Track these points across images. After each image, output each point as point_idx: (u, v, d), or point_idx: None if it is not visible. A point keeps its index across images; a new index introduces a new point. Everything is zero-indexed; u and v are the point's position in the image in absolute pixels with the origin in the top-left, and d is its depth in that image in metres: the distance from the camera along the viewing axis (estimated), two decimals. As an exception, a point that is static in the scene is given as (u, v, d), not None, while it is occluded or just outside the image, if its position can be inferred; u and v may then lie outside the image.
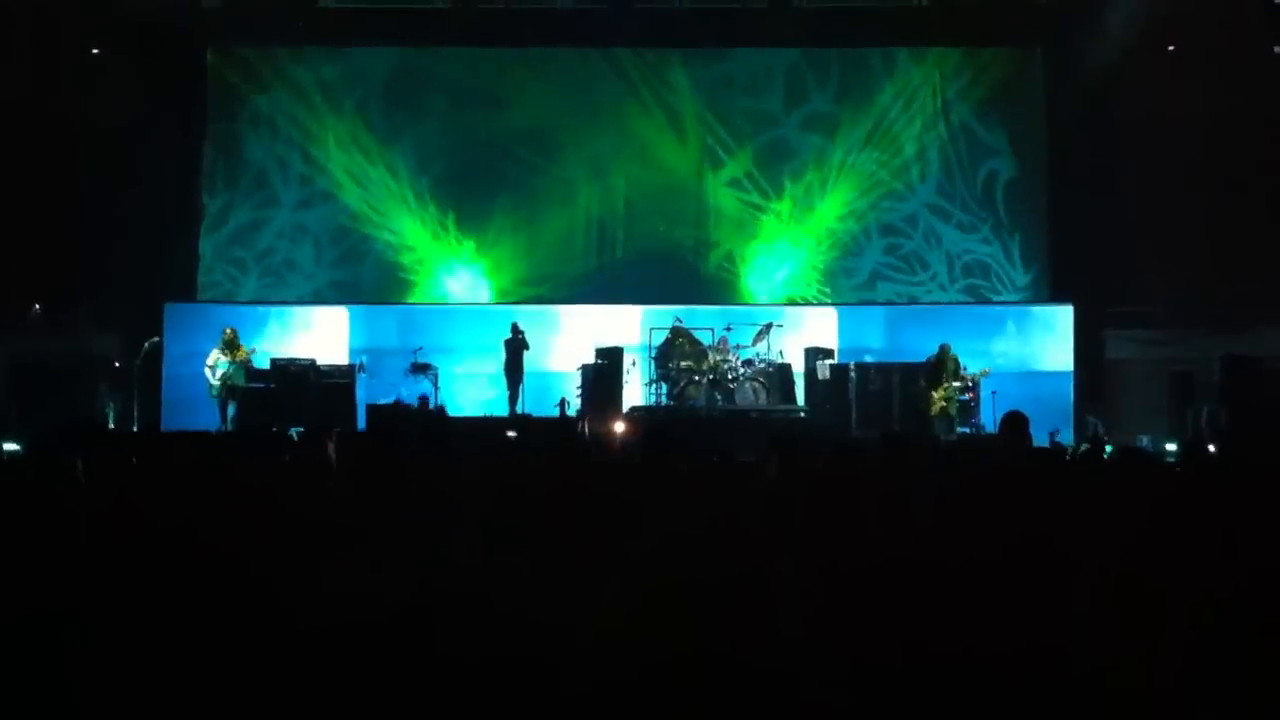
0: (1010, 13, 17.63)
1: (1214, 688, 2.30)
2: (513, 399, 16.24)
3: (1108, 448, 11.19)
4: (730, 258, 18.25)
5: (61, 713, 2.29)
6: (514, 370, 16.28)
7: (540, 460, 4.85)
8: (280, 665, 2.19)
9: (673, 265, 18.17)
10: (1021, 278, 18.19)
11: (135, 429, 15.27)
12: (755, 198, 18.21)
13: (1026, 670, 2.29)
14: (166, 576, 2.51)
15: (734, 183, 18.23)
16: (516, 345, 16.31)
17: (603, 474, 4.47)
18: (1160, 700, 2.32)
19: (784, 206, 18.16)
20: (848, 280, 18.21)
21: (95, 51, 16.90)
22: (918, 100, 18.22)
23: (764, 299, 18.02)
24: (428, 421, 14.64)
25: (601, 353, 16.10)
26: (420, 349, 16.55)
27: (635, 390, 16.41)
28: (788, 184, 18.17)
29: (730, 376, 15.87)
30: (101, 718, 2.28)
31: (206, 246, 18.12)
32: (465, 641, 1.77)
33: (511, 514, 3.70)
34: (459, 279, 18.22)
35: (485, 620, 1.75)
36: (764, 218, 18.19)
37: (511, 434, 11.60)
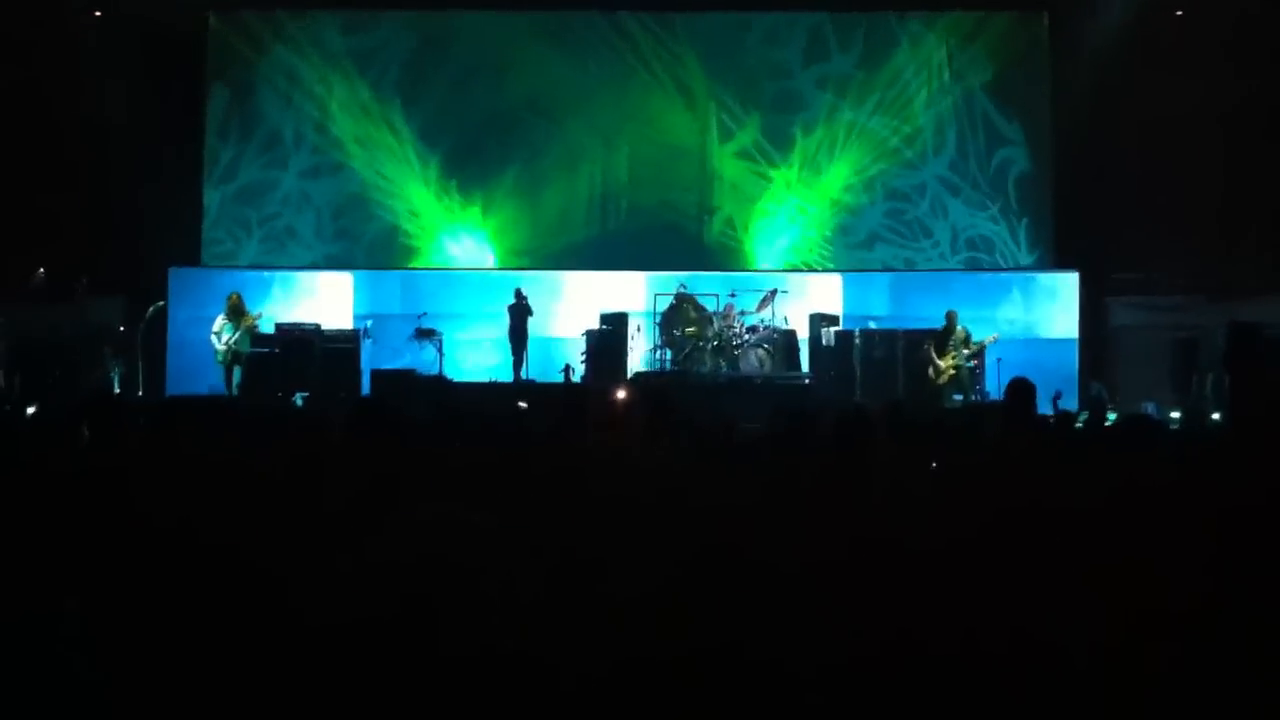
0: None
1: (1215, 669, 2.31)
2: (517, 364, 16.25)
3: (1110, 415, 11.23)
4: (735, 224, 18.20)
5: (62, 698, 2.30)
6: (518, 336, 16.29)
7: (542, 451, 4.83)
8: (280, 655, 2.20)
9: (677, 231, 18.13)
10: (1025, 257, 18.12)
11: (140, 394, 15.30)
12: (761, 164, 18.14)
13: (1028, 654, 2.31)
14: (164, 563, 2.52)
15: (740, 149, 18.15)
16: (520, 311, 16.32)
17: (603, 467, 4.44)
18: (1162, 682, 2.33)
19: (790, 173, 18.09)
20: (847, 241, 18.12)
21: (97, 14, 16.82)
22: (927, 68, 18.11)
23: (768, 265, 17.99)
24: (433, 391, 14.65)
25: (606, 318, 16.10)
26: (424, 314, 16.55)
27: (640, 356, 16.43)
28: (794, 150, 18.09)
29: (734, 343, 15.87)
30: (99, 704, 2.30)
31: (211, 204, 18.08)
32: (466, 636, 1.78)
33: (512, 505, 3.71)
34: (463, 244, 18.19)
35: (484, 616, 1.75)
36: (770, 183, 18.13)
37: (523, 404, 11.61)
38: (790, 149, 18.09)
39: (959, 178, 18.09)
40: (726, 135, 18.14)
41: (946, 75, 18.11)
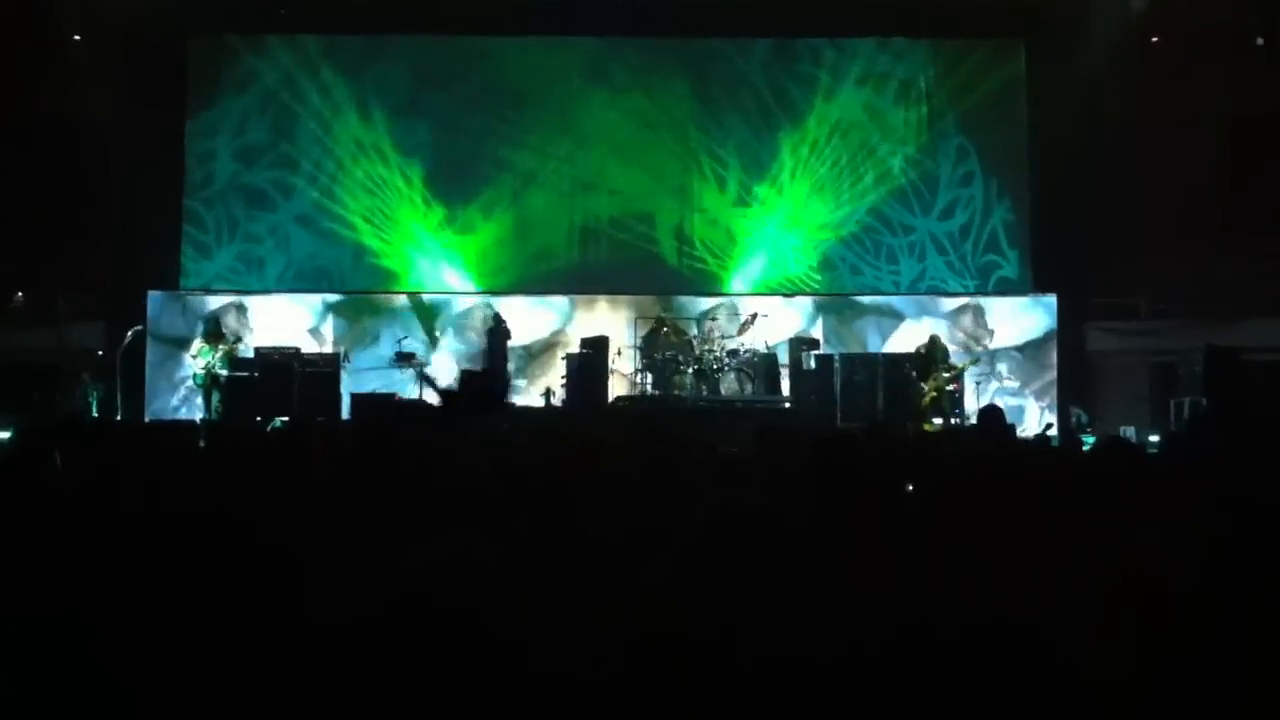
0: (994, 6, 17.63)
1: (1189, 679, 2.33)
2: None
3: (1088, 439, 11.28)
4: (715, 249, 18.24)
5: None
6: (497, 360, 16.26)
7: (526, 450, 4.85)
8: (273, 665, 2.19)
9: (658, 257, 18.17)
10: (1001, 276, 18.23)
11: (118, 418, 15.22)
12: (741, 191, 18.21)
13: (1009, 657, 2.32)
14: (146, 575, 2.51)
15: (720, 176, 18.22)
16: (499, 335, 16.30)
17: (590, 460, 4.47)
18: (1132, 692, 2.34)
19: (768, 199, 18.16)
20: (831, 270, 18.23)
21: (76, 38, 16.80)
22: (905, 96, 18.25)
23: (749, 290, 18.04)
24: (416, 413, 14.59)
25: (587, 343, 16.10)
26: (404, 338, 16.53)
27: (621, 380, 16.45)
28: (772, 176, 18.17)
29: (715, 367, 15.90)
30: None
31: (190, 229, 18.04)
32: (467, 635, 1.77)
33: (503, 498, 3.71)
34: (442, 269, 18.18)
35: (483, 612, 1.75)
36: (749, 210, 18.19)
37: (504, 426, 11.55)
38: (770, 176, 18.16)
39: (938, 203, 18.19)
40: (707, 162, 18.20)
41: (925, 103, 18.24)
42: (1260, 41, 16.78)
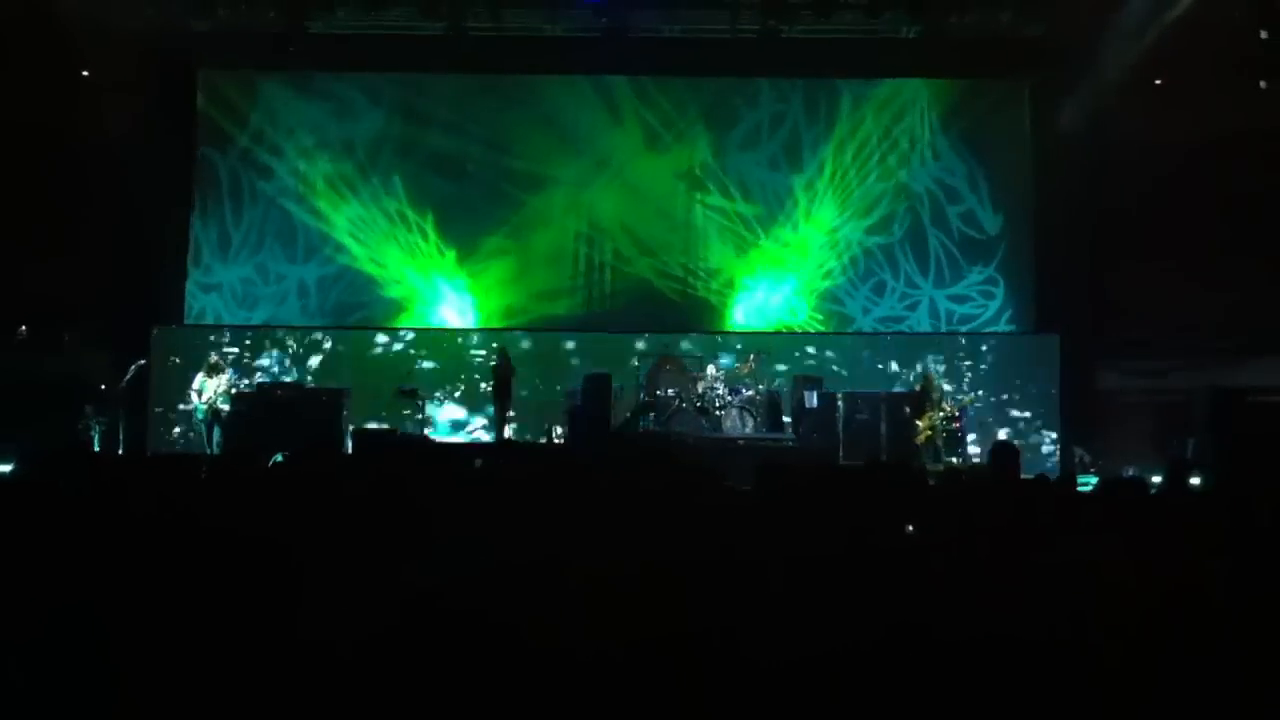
0: (999, 46, 17.69)
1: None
2: (499, 425, 16.20)
3: (1091, 479, 11.22)
4: (718, 286, 18.26)
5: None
6: (501, 397, 16.25)
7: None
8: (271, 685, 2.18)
9: (661, 294, 18.19)
10: (1004, 315, 18.23)
11: (120, 452, 15.20)
12: (742, 228, 18.25)
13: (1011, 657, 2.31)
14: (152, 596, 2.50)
15: (723, 211, 18.27)
16: (504, 371, 16.29)
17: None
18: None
19: (772, 236, 18.20)
20: (834, 308, 18.25)
21: (85, 74, 16.89)
22: (906, 132, 18.32)
23: (752, 327, 18.05)
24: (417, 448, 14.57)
25: (590, 379, 16.07)
26: (410, 372, 16.53)
27: (624, 417, 16.39)
28: (776, 213, 18.23)
29: (717, 404, 15.87)
30: None
31: (195, 269, 18.11)
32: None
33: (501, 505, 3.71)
34: (447, 305, 18.20)
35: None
36: (752, 247, 18.23)
37: (478, 462, 11.43)
38: (775, 213, 18.21)
39: (941, 240, 18.22)
40: (712, 198, 18.25)
41: (930, 142, 18.31)
42: (1263, 85, 16.82)
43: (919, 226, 18.22)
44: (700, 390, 15.91)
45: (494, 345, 16.98)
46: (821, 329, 18.11)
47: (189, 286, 18.05)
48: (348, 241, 18.12)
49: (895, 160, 18.28)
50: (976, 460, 15.24)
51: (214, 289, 18.13)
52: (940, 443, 15.36)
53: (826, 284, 18.26)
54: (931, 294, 18.17)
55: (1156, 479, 13.62)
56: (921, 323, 18.17)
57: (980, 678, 2.28)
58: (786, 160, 18.35)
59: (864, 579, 2.76)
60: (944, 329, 18.04)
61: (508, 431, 16.17)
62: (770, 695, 2.00)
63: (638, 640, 2.18)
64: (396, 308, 18.18)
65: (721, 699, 1.99)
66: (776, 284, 18.22)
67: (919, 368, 16.76)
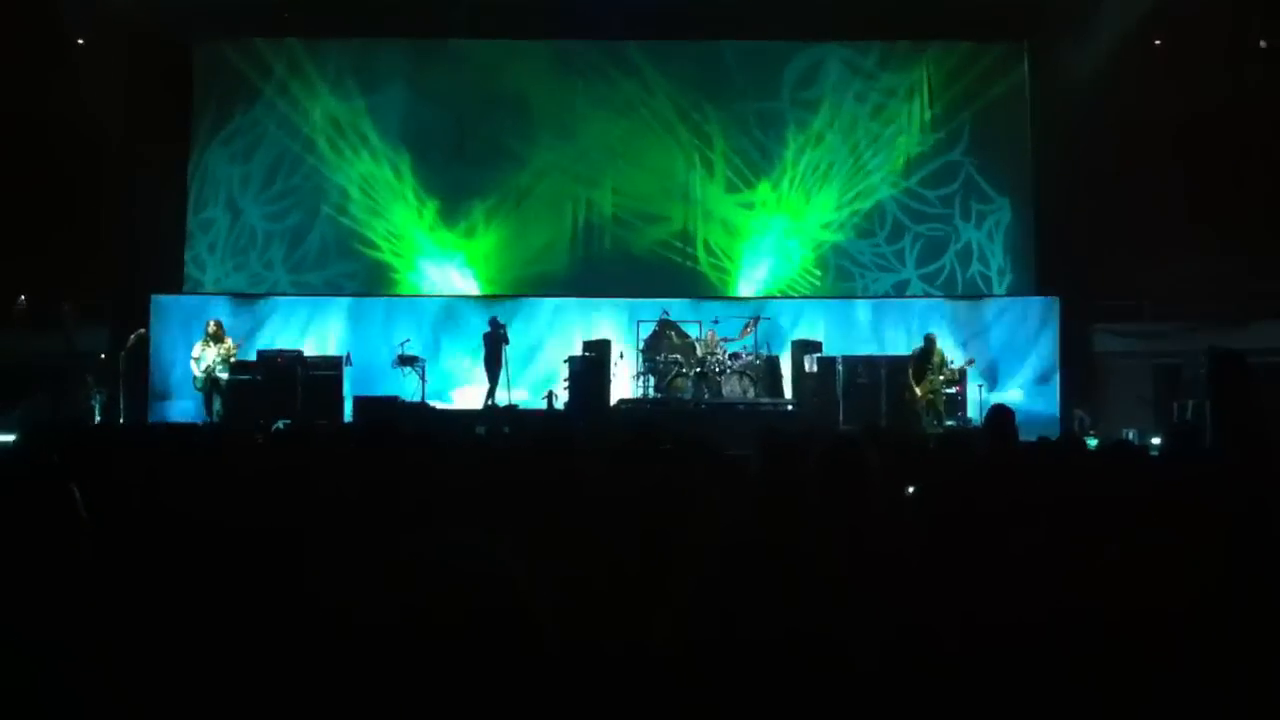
0: (998, 9, 17.60)
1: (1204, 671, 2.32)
2: (491, 393, 16.16)
3: (1091, 441, 11.24)
4: (717, 251, 18.24)
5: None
6: (493, 364, 16.21)
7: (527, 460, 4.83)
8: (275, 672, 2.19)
9: (660, 259, 18.17)
10: (1004, 278, 18.23)
11: (121, 421, 15.21)
12: (745, 193, 18.22)
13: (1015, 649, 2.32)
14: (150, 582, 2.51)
15: (724, 178, 18.23)
16: (496, 339, 16.25)
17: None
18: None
19: (771, 200, 18.17)
20: (833, 272, 18.23)
21: (80, 42, 16.81)
22: (909, 99, 18.26)
23: (751, 292, 18.04)
24: (416, 417, 14.60)
25: (589, 345, 16.07)
26: (407, 341, 16.52)
27: (624, 383, 16.41)
28: (775, 177, 18.19)
29: (717, 369, 15.87)
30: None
31: (194, 233, 18.08)
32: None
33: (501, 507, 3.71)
34: (445, 271, 18.18)
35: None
36: (752, 211, 18.21)
37: (480, 430, 11.43)
38: (773, 178, 18.18)
39: (940, 206, 18.19)
40: (710, 164, 18.21)
41: (929, 106, 18.24)
42: (1263, 44, 16.75)
43: (918, 189, 18.18)
44: (700, 355, 15.91)
45: (490, 314, 16.96)
46: (821, 293, 18.07)
47: (188, 253, 18.02)
48: (346, 206, 18.10)
49: (892, 122, 18.22)
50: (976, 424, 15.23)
51: (213, 256, 18.11)
52: (941, 406, 15.35)
53: (827, 244, 18.22)
54: (932, 230, 18.15)
55: (1155, 440, 13.74)
56: (922, 287, 18.15)
57: (984, 664, 2.29)
58: (782, 122, 18.28)
59: (863, 570, 2.77)
60: (942, 294, 18.03)
61: (502, 399, 16.11)
62: (766, 677, 2.01)
63: (627, 626, 2.19)
64: (393, 273, 18.17)
65: (714, 678, 2.00)
66: (776, 250, 18.19)
67: (919, 332, 16.71)
